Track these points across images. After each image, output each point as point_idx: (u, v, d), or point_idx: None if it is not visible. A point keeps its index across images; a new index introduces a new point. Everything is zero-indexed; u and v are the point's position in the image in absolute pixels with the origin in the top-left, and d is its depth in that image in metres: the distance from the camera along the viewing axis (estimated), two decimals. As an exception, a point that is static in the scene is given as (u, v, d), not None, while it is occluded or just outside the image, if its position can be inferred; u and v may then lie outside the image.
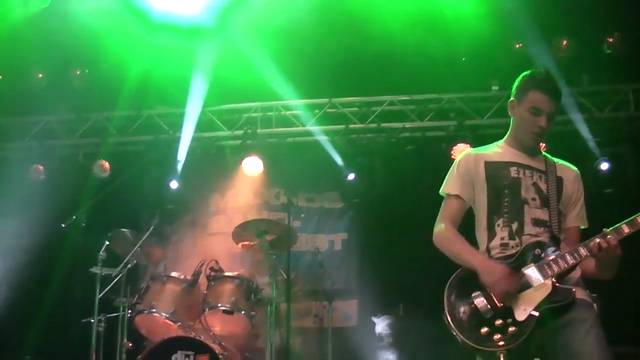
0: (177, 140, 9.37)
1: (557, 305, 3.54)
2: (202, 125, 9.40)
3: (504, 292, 3.58)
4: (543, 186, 3.83)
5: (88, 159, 9.59)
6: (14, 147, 9.80)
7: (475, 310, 3.63)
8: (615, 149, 8.68)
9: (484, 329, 3.56)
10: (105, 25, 7.78)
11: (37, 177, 9.50)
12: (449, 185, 3.98)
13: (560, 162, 3.98)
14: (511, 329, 3.53)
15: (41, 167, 9.52)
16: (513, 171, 3.84)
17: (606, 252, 3.51)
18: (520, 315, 3.55)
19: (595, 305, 3.78)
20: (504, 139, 4.01)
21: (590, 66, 8.88)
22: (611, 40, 8.53)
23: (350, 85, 9.05)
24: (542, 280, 3.58)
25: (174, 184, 9.31)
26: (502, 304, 3.59)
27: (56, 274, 8.76)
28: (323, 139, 9.17)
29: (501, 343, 3.51)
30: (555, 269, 3.58)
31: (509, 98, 3.99)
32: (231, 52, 8.34)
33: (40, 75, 9.07)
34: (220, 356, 6.54)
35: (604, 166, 8.43)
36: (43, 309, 8.68)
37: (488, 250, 3.80)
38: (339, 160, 9.23)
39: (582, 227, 3.90)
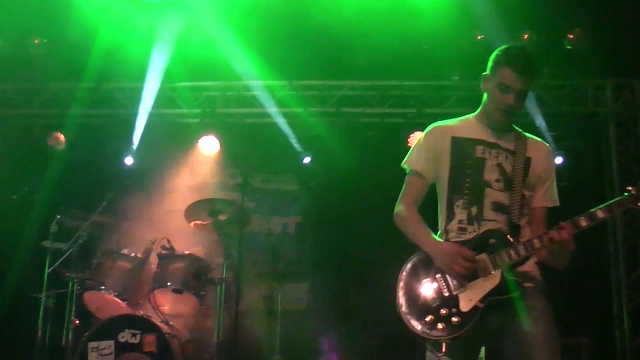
0: (135, 116, 9.26)
1: (503, 298, 3.49)
2: (161, 101, 9.30)
3: (458, 273, 3.54)
4: (508, 168, 3.73)
5: (44, 130, 9.44)
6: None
7: (423, 298, 3.60)
8: (572, 143, 8.79)
9: (429, 317, 3.53)
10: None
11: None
12: (412, 159, 3.87)
13: (532, 138, 3.88)
14: (455, 319, 3.49)
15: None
16: (479, 150, 3.75)
17: (559, 245, 3.44)
18: (465, 305, 3.51)
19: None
20: (476, 112, 3.90)
21: (551, 61, 8.95)
22: (572, 36, 8.63)
23: (312, 69, 9.01)
24: (492, 271, 3.52)
25: (129, 160, 9.24)
26: (449, 294, 3.55)
27: (6, 246, 8.65)
28: (281, 121, 9.16)
29: (443, 332, 3.48)
30: (507, 260, 3.52)
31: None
32: (194, 28, 8.27)
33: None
34: (167, 335, 6.56)
35: (559, 160, 8.54)
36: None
37: (446, 231, 3.74)
38: (296, 143, 9.23)
39: (550, 206, 3.81)
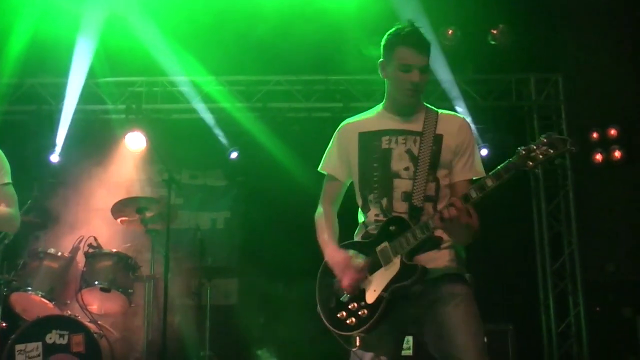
0: (59, 112, 9.15)
1: (404, 284, 3.46)
2: (86, 97, 9.20)
3: (349, 285, 3.56)
4: (416, 151, 3.67)
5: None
6: None
7: (334, 295, 3.66)
8: (497, 136, 9.02)
9: (341, 313, 3.59)
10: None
11: None
12: (325, 163, 3.96)
13: (444, 113, 3.81)
14: (362, 312, 3.51)
15: None
16: (385, 141, 3.72)
17: (451, 222, 3.34)
18: (370, 297, 3.52)
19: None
20: (382, 102, 3.87)
21: (475, 56, 9.16)
22: (495, 32, 8.85)
23: (238, 64, 9.02)
24: (393, 259, 3.51)
25: (54, 157, 9.13)
26: (353, 292, 3.58)
27: None
28: (208, 117, 9.17)
29: (354, 327, 3.52)
30: (405, 245, 3.48)
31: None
32: (119, 22, 8.22)
33: None
34: (95, 335, 6.51)
35: (484, 152, 8.78)
36: None
37: (365, 225, 3.77)
38: (223, 138, 9.26)
39: (473, 177, 3.67)
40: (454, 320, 3.50)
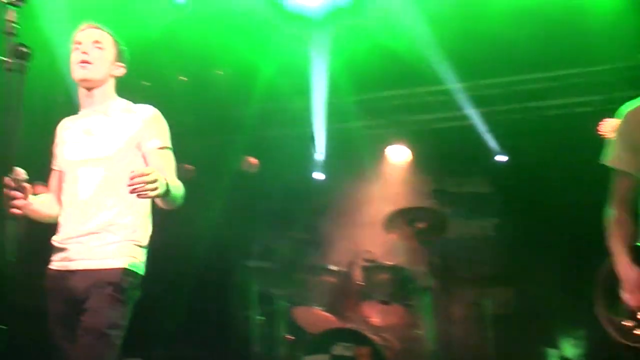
0: (317, 131, 9.38)
1: None
2: (338, 115, 9.39)
3: (634, 306, 3.31)
4: None
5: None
6: None
7: (619, 303, 3.43)
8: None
9: (628, 322, 3.38)
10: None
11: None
12: (611, 155, 3.58)
13: None
14: None
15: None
16: None
17: None
18: None
19: None
20: None
21: None
22: None
23: (491, 67, 8.78)
24: None
25: (318, 175, 9.39)
26: None
27: (210, 267, 8.97)
28: (470, 123, 8.98)
29: None
30: None
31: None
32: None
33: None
34: (381, 346, 6.56)
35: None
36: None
37: None
38: (489, 142, 9.03)
39: None
40: None
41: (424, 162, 8.15)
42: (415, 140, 8.94)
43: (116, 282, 3.51)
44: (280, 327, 7.29)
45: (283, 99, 9.43)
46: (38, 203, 3.75)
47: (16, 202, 3.29)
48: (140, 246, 3.73)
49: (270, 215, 8.76)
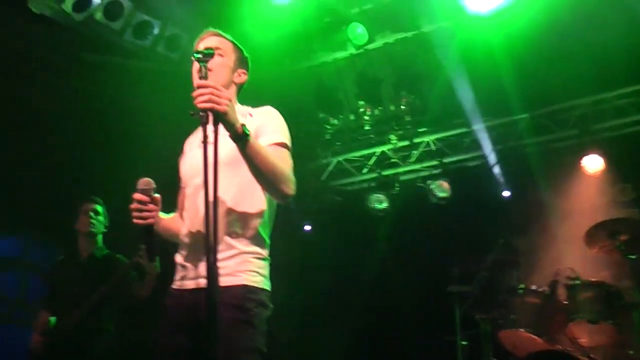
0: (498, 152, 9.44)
1: None
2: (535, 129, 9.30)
3: None
4: None
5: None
6: None
7: None
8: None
9: None
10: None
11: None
12: None
13: None
14: None
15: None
16: None
17: None
18: None
19: None
20: None
21: None
22: None
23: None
24: None
25: (505, 193, 9.32)
26: None
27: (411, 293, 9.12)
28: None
29: None
30: None
31: None
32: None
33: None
34: (589, 368, 6.39)
35: None
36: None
37: None
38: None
39: None
40: None
41: (619, 170, 7.82)
42: (607, 148, 8.63)
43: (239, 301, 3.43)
44: (486, 350, 7.27)
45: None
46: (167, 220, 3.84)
47: (147, 214, 3.50)
48: (262, 259, 3.66)
49: (465, 238, 8.80)
